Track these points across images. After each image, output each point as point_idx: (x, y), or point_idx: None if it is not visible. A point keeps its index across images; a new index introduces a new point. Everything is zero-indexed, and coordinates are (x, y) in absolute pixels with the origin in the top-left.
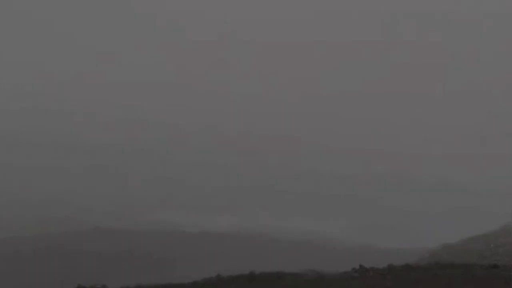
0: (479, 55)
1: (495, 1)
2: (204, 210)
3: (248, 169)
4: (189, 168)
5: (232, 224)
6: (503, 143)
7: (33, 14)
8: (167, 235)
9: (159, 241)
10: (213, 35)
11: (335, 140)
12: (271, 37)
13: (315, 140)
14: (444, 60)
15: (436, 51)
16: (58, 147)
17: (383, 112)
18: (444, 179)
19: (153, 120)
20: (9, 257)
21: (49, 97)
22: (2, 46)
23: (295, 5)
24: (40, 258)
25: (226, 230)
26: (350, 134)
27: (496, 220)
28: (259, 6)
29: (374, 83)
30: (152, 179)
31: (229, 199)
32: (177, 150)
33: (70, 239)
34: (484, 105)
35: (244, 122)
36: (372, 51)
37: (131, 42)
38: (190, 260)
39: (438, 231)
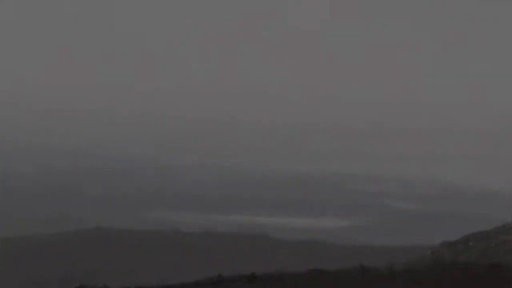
0: None
1: None
2: (204, 210)
3: (248, 169)
4: (189, 168)
5: (233, 224)
6: (503, 143)
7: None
8: (167, 235)
9: (159, 241)
10: None
11: (336, 141)
12: None
13: (315, 140)
14: None
15: None
16: (57, 147)
17: (383, 113)
18: (444, 178)
19: (153, 120)
20: (9, 256)
21: (43, 97)
22: None
23: None
24: (40, 258)
25: (227, 230)
26: (351, 135)
27: (496, 221)
28: None
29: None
30: (152, 179)
31: (229, 199)
32: (178, 151)
33: (70, 239)
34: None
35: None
36: None
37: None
38: (190, 260)
39: (438, 230)
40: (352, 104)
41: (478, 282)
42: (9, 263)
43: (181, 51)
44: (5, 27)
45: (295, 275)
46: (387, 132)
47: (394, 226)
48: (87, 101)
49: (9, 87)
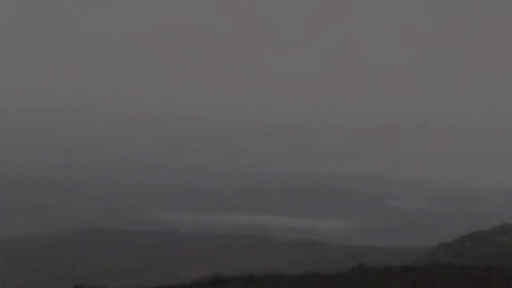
0: None
1: None
2: (204, 210)
3: (248, 170)
4: (188, 169)
5: (232, 224)
6: (503, 142)
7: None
8: (166, 235)
9: (159, 241)
10: None
11: (336, 141)
12: None
13: (316, 141)
14: None
15: None
16: (56, 147)
17: (383, 114)
18: (444, 179)
19: (154, 120)
20: (9, 256)
21: (50, 96)
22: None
23: None
24: (40, 258)
25: (225, 231)
26: (351, 135)
27: (495, 220)
28: None
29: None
30: (152, 179)
31: (229, 199)
32: (177, 151)
33: (68, 239)
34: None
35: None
36: None
37: None
38: (189, 260)
39: (437, 230)
40: (352, 104)
41: (474, 284)
42: (7, 263)
43: (181, 51)
44: (4, 26)
45: (294, 276)
46: (387, 133)
47: (394, 227)
48: (86, 100)
49: (9, 86)
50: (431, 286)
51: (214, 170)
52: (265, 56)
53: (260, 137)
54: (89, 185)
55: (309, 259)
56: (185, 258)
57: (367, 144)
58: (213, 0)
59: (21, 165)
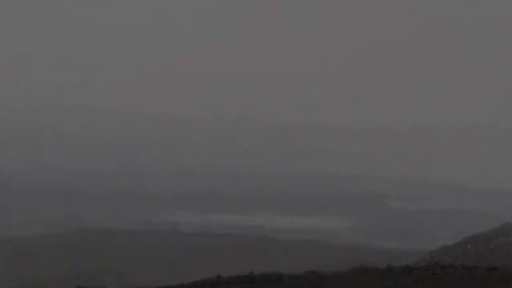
0: None
1: None
2: (204, 210)
3: (248, 170)
4: (189, 169)
5: (232, 224)
6: (503, 143)
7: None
8: (167, 235)
9: (159, 241)
10: None
11: (336, 142)
12: None
13: (315, 140)
14: None
15: None
16: (57, 146)
17: (383, 114)
18: (445, 179)
19: (153, 120)
20: (9, 256)
21: (50, 95)
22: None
23: None
24: (40, 258)
25: (226, 231)
26: (351, 135)
27: (496, 220)
28: None
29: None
30: (152, 179)
31: (229, 199)
32: (177, 151)
33: (70, 239)
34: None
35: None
36: None
37: None
38: (189, 260)
39: (438, 231)
40: (352, 104)
41: (476, 284)
42: (8, 263)
43: (181, 51)
44: (4, 26)
45: (294, 276)
46: (387, 132)
47: (394, 227)
48: (86, 100)
49: (8, 86)
50: (432, 286)
51: (214, 170)
52: (266, 54)
53: (260, 137)
54: (89, 185)
55: (309, 259)
56: (185, 258)
57: (367, 144)
58: (217, 2)
59: (21, 165)
